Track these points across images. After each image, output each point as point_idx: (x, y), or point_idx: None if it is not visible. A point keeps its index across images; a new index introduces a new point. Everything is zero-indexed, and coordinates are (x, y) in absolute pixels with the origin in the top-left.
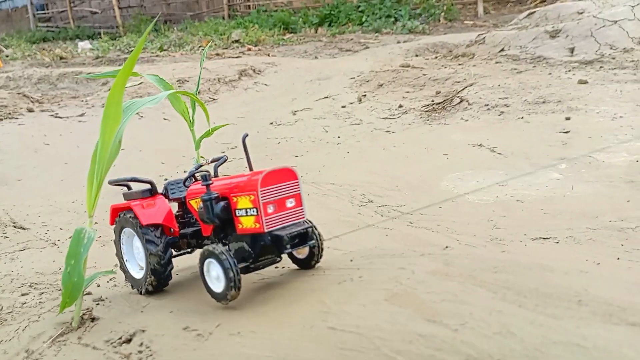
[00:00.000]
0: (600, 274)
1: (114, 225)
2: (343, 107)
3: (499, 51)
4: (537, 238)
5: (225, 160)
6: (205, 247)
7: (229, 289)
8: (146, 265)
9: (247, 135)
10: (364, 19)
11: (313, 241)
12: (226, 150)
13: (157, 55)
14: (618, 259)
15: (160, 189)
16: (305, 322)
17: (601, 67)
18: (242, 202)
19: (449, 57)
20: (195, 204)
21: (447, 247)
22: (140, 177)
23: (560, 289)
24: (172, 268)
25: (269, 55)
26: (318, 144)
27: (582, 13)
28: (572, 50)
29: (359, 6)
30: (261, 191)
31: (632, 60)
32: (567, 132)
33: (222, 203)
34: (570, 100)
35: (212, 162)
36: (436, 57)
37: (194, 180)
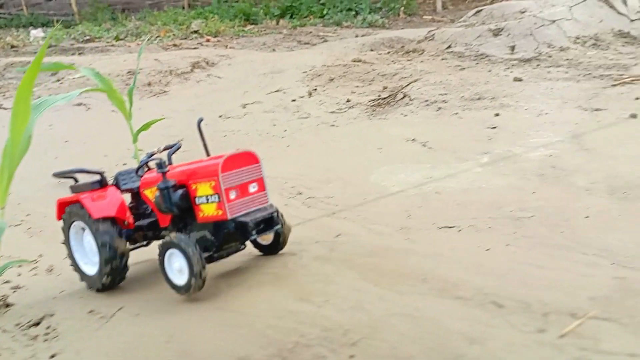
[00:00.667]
0: (461, 258)
1: (62, 223)
2: (293, 100)
3: (446, 48)
4: (443, 227)
5: (179, 147)
6: (166, 238)
7: (195, 279)
8: (100, 260)
9: (202, 120)
10: (325, 12)
11: (279, 226)
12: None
13: (112, 45)
14: (507, 245)
15: (110, 180)
16: (197, 304)
17: (538, 65)
18: (202, 189)
19: (400, 52)
20: (151, 194)
21: (338, 235)
22: (89, 167)
23: (414, 270)
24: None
25: (227, 47)
26: (264, 138)
27: (524, 12)
28: (512, 48)
29: None
30: (222, 176)
31: (567, 59)
32: (494, 127)
33: (180, 191)
34: (504, 97)
35: (165, 149)
36: (388, 52)
37: (147, 169)
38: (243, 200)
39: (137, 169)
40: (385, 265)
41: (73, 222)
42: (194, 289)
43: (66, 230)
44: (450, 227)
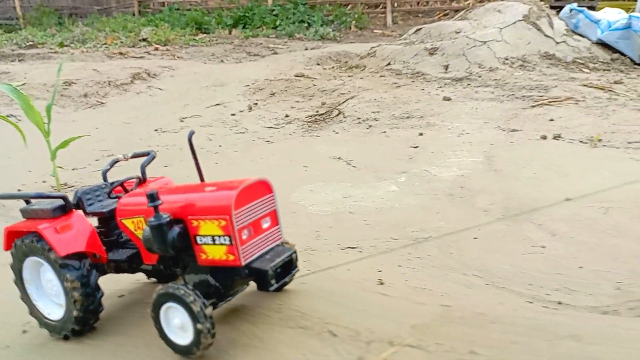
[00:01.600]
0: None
1: (12, 258)
2: (233, 115)
3: (386, 65)
4: (346, 247)
5: (153, 157)
6: (161, 289)
7: (203, 338)
8: (68, 303)
9: (193, 133)
10: (277, 23)
11: (296, 269)
12: (102, 158)
13: (55, 52)
14: (399, 266)
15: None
16: None
17: (468, 84)
18: (207, 228)
19: (344, 68)
20: (132, 225)
21: None
22: (49, 192)
23: (274, 298)
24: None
25: (175, 56)
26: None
27: (458, 32)
28: (446, 67)
29: (274, 10)
30: (235, 214)
31: (495, 79)
32: (416, 147)
33: (176, 229)
34: (431, 116)
35: (133, 157)
36: (333, 68)
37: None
38: (256, 240)
39: (110, 191)
40: (250, 291)
41: (27, 257)
42: (203, 348)
43: (17, 266)
44: (353, 247)
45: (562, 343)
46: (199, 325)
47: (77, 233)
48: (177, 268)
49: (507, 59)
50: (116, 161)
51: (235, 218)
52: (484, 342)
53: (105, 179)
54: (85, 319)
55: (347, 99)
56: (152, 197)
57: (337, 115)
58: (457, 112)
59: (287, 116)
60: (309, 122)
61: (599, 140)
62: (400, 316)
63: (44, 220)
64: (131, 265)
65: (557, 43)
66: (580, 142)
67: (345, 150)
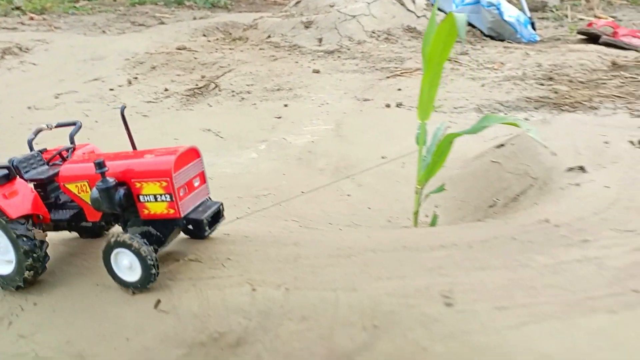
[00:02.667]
0: None
1: None
2: (111, 90)
3: (267, 37)
4: None
5: (80, 127)
6: (112, 237)
7: (150, 277)
8: (18, 259)
9: (125, 107)
10: None
11: (223, 218)
12: None
13: None
14: (238, 217)
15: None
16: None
17: (339, 57)
18: (150, 188)
19: (227, 39)
20: (75, 188)
21: None
22: None
23: None
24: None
25: (52, 27)
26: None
27: (332, 6)
28: (320, 40)
29: None
30: (175, 176)
31: (362, 52)
32: (279, 117)
33: (122, 190)
34: (299, 88)
35: (58, 126)
36: (217, 39)
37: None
38: (190, 196)
39: (49, 159)
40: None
41: None
42: (151, 283)
43: None
44: None
45: (286, 248)
46: (148, 263)
47: (23, 197)
48: (118, 223)
49: (374, 32)
50: (40, 130)
51: (174, 179)
52: (237, 252)
53: (31, 148)
54: (33, 268)
55: (225, 72)
56: (100, 165)
57: (214, 88)
58: (323, 84)
59: (166, 90)
60: (187, 95)
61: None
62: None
63: None
64: (71, 223)
65: (418, 17)
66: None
67: (216, 123)
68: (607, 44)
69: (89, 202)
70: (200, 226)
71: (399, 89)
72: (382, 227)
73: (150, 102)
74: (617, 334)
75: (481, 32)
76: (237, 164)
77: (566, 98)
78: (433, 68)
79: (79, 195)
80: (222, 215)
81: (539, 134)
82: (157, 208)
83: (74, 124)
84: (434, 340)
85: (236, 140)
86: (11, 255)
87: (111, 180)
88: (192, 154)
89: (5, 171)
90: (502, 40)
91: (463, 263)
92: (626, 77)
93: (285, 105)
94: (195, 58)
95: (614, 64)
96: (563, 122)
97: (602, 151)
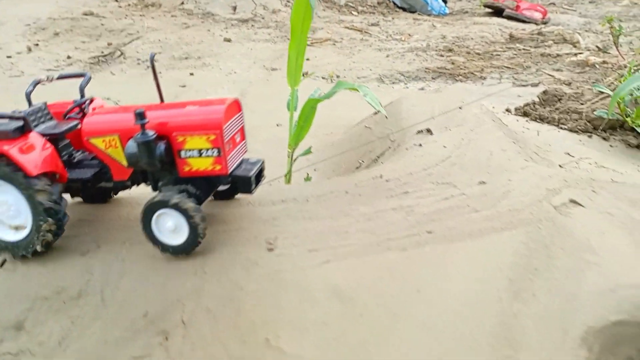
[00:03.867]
0: None
1: None
2: (9, 57)
3: (180, 4)
4: None
5: (90, 79)
6: (154, 197)
7: (198, 239)
8: (35, 219)
9: (154, 55)
10: None
11: (264, 177)
12: None
13: None
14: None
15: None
16: None
17: (252, 25)
18: (194, 142)
19: (139, 5)
20: (103, 144)
21: None
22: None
23: None
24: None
25: None
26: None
27: None
28: (234, 8)
29: None
30: (224, 129)
31: (276, 21)
32: (184, 86)
33: (162, 144)
34: (208, 57)
35: (60, 78)
36: (128, 5)
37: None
38: (234, 152)
39: (67, 112)
40: None
41: None
42: (198, 244)
43: None
44: None
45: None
46: (197, 225)
47: (42, 153)
48: (146, 182)
49: (289, 1)
50: (38, 82)
51: (224, 132)
52: (89, 213)
53: (29, 101)
54: (53, 233)
55: (133, 40)
56: (141, 116)
57: (119, 56)
58: (234, 52)
59: (69, 57)
60: (91, 63)
61: (337, 77)
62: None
63: (3, 142)
64: (89, 184)
65: None
66: (323, 78)
67: (117, 91)
68: (510, 17)
69: (117, 159)
70: (247, 184)
71: (308, 59)
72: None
73: (50, 69)
74: (400, 267)
75: (394, 4)
76: None
77: (461, 69)
78: (297, 37)
79: (105, 151)
80: (264, 175)
81: (375, 99)
82: (200, 164)
83: (81, 75)
84: (250, 280)
85: None
86: (22, 219)
87: (151, 133)
88: (235, 107)
89: (20, 122)
90: (414, 12)
91: (295, 214)
92: (519, 50)
93: (192, 74)
94: (103, 24)
95: (511, 36)
96: (452, 91)
97: (454, 115)
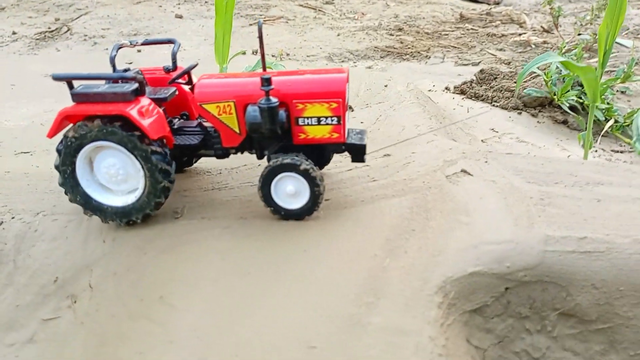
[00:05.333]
0: None
1: (63, 144)
2: None
3: None
4: (19, 152)
5: (179, 45)
6: (275, 160)
7: (318, 203)
8: (151, 184)
9: (263, 22)
10: None
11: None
12: None
13: None
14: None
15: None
16: None
17: (205, 1)
18: (314, 110)
19: None
20: (217, 109)
21: None
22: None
23: None
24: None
25: None
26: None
27: None
28: None
29: None
30: (346, 97)
31: None
32: (130, 63)
33: (282, 111)
34: (158, 34)
35: (145, 44)
36: None
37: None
38: (347, 120)
39: (175, 78)
40: None
41: (90, 142)
42: (316, 209)
43: (71, 153)
44: (26, 152)
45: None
46: (316, 188)
47: (158, 117)
48: (250, 152)
49: None
50: (121, 46)
51: (346, 100)
52: (12, 187)
53: (114, 66)
54: (163, 197)
55: (81, 15)
56: (267, 82)
57: (66, 32)
58: (185, 29)
59: (14, 33)
60: (36, 39)
61: (287, 55)
62: None
63: (116, 104)
64: (191, 150)
65: None
66: (272, 56)
67: (61, 69)
68: None
69: (230, 125)
70: (360, 152)
71: (259, 37)
72: None
73: None
74: (295, 232)
75: None
76: (18, 117)
77: (409, 48)
78: (222, 15)
79: (218, 117)
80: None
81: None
82: (317, 132)
83: (170, 41)
84: (155, 246)
85: None
86: (132, 183)
87: (274, 99)
88: (348, 76)
89: (136, 85)
90: None
91: (205, 185)
92: (467, 29)
93: (139, 51)
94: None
95: (461, 16)
96: (397, 70)
97: (378, 93)
